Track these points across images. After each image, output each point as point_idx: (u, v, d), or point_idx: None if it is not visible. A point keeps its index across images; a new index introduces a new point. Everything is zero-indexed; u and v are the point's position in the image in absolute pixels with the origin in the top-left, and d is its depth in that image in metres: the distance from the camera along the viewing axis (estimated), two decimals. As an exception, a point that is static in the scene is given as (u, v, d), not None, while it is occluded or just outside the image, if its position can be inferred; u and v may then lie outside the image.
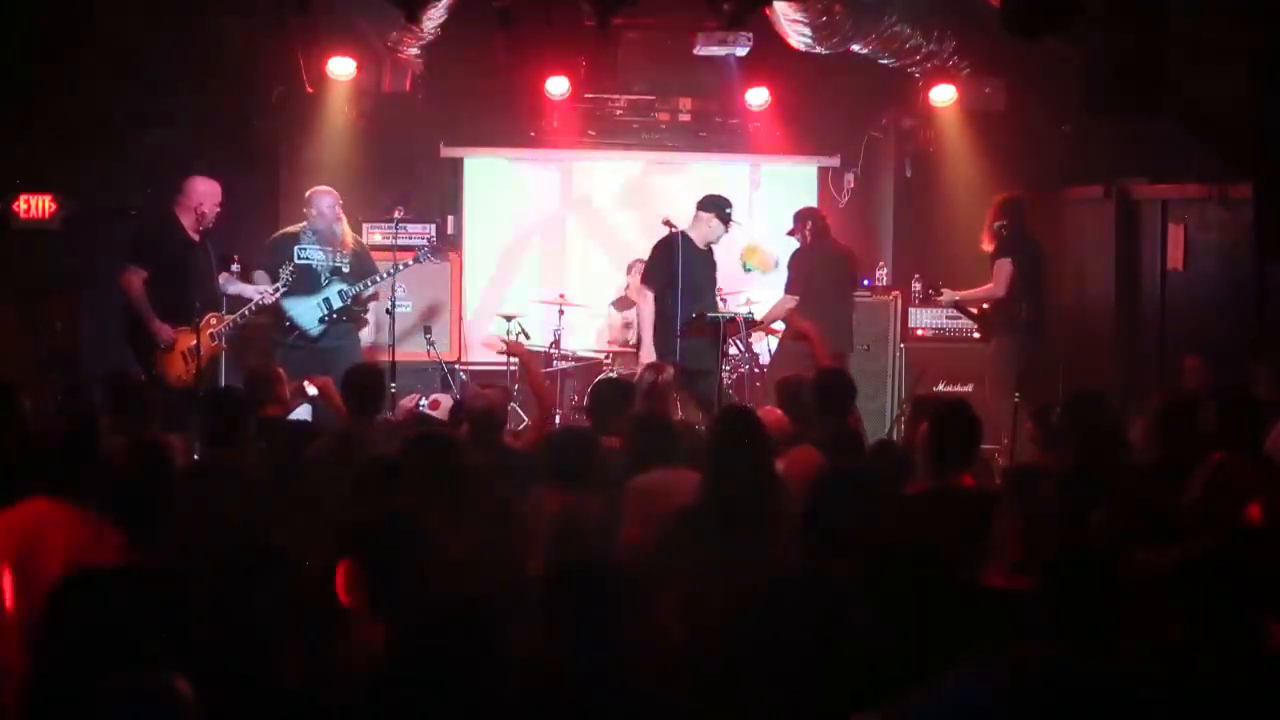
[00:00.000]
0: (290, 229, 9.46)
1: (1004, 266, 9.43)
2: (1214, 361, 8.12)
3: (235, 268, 9.60)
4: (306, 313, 9.27)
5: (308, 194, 9.47)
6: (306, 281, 9.27)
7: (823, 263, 9.75)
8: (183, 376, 8.72)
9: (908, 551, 3.94)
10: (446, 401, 7.03)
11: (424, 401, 9.22)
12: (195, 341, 8.73)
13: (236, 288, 9.28)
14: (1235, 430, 5.70)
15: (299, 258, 9.30)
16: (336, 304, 9.30)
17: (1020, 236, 9.53)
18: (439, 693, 3.27)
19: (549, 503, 5.42)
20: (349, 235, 9.55)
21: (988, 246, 9.58)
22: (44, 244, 9.76)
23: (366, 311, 9.57)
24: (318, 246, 9.35)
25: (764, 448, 5.19)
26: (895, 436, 9.01)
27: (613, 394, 6.86)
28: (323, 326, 9.30)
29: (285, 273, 9.18)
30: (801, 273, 9.70)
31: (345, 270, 9.37)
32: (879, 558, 3.91)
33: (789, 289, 9.75)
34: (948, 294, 9.72)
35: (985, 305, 9.67)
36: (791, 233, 9.85)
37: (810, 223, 9.79)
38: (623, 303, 10.90)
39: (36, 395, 7.80)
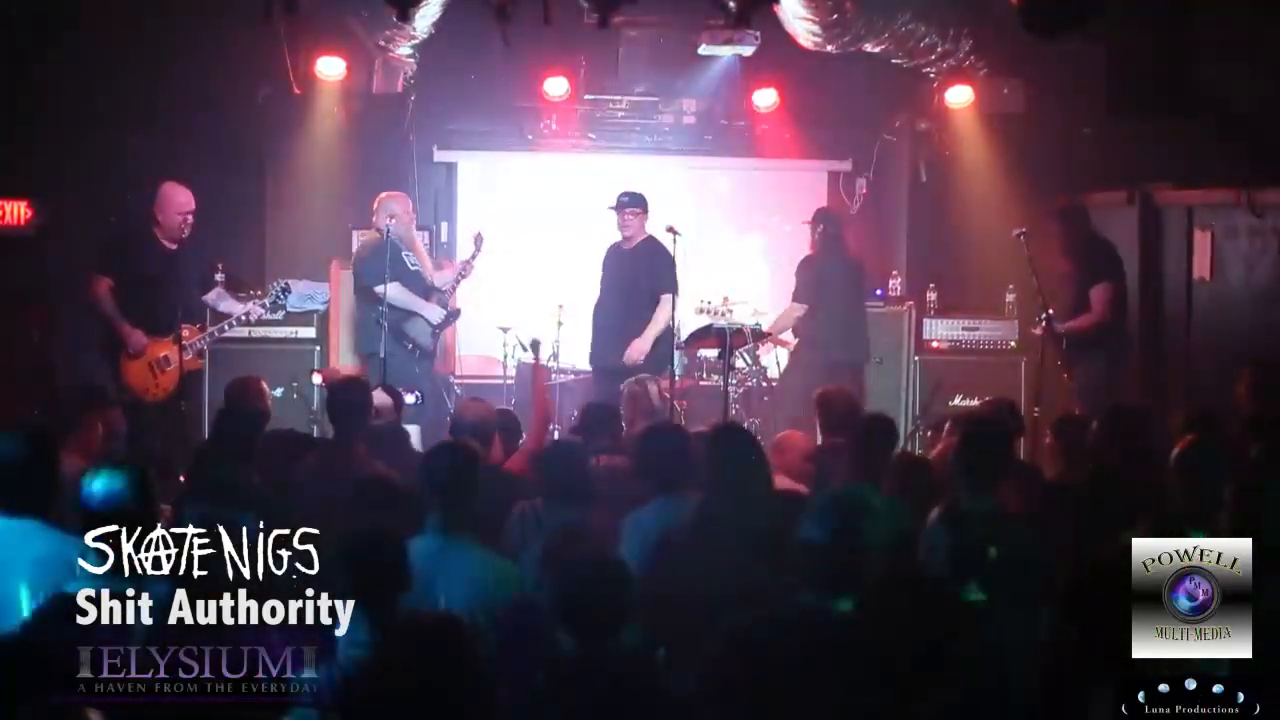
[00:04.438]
0: (377, 238, 9.14)
1: (1103, 291, 8.81)
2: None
3: (220, 277, 9.36)
4: (421, 329, 9.19)
5: (380, 199, 9.25)
6: (418, 291, 9.19)
7: (832, 271, 9.67)
8: (150, 390, 8.45)
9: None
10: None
11: None
12: (166, 353, 8.52)
13: (227, 304, 9.07)
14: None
15: (411, 265, 9.17)
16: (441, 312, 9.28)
17: (1102, 248, 9.02)
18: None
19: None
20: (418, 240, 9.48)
21: (1065, 265, 8.98)
22: (19, 252, 9.58)
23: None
24: (411, 253, 9.20)
25: (760, 466, 5.12)
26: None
27: (605, 410, 6.88)
28: (437, 338, 9.34)
29: (275, 289, 9.01)
30: (808, 280, 9.59)
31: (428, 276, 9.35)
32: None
33: (796, 297, 9.68)
34: (1059, 327, 8.78)
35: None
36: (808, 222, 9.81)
37: (823, 227, 9.63)
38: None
39: (11, 408, 7.66)
